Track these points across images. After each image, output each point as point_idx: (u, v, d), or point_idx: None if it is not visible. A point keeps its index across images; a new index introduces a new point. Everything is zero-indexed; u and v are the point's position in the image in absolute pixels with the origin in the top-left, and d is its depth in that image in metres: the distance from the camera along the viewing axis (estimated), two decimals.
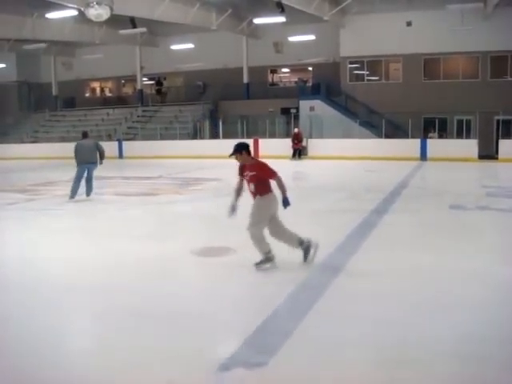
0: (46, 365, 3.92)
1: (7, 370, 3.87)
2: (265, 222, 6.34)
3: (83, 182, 12.70)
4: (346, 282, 5.82)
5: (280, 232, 6.47)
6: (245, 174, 6.41)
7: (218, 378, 3.59)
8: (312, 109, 29.21)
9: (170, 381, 3.62)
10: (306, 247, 6.44)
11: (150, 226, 9.43)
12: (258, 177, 6.34)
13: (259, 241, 6.28)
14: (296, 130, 26.68)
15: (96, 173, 13.14)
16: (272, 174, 6.35)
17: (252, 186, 6.37)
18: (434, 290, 5.51)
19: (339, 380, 3.61)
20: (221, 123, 29.09)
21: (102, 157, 12.89)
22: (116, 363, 3.93)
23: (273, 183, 6.38)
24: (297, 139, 26.19)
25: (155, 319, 4.80)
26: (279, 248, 6.92)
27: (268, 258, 6.32)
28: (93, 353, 4.25)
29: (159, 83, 37.05)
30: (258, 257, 6.33)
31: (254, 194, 6.38)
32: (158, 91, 36.68)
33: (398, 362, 3.86)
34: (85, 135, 13.25)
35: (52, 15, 25.49)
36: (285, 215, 9.92)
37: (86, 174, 12.70)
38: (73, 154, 12.78)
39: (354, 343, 4.18)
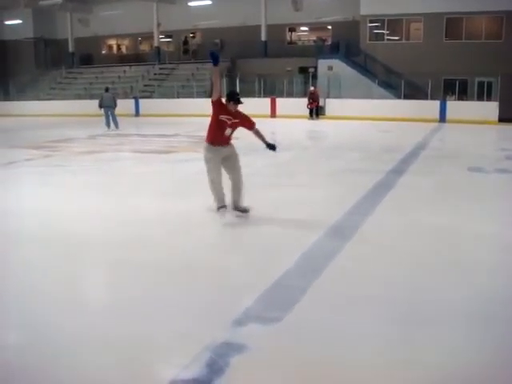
0: (60, 312, 3.99)
1: (24, 317, 3.95)
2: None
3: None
4: (360, 242, 5.79)
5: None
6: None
7: (231, 333, 3.62)
8: (330, 68, 28.78)
9: (184, 333, 3.66)
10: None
11: (166, 184, 9.45)
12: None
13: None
14: (312, 88, 26.33)
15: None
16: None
17: (230, 132, 6.59)
18: (449, 252, 5.48)
19: (352, 336, 3.63)
20: (238, 81, 28.83)
21: (115, 104, 20.63)
22: (130, 315, 3.98)
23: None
24: (312, 98, 25.83)
25: (171, 273, 4.84)
26: (295, 211, 6.96)
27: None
28: (107, 304, 4.30)
29: (186, 42, 36.75)
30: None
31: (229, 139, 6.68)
32: (186, 50, 36.39)
33: (411, 320, 3.86)
34: (106, 90, 21.46)
35: None
36: (301, 174, 9.94)
37: (110, 116, 20.39)
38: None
39: (368, 302, 4.18)
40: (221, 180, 6.51)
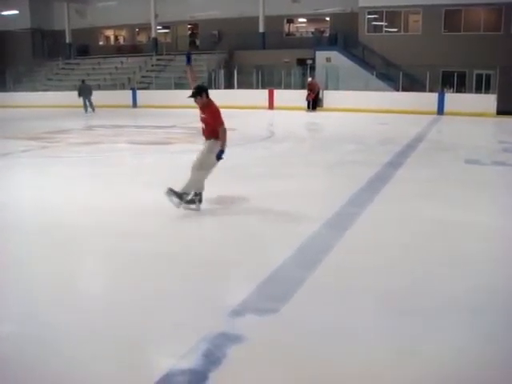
0: (56, 303, 3.98)
1: (23, 310, 3.94)
2: (212, 165, 6.47)
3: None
4: (357, 234, 5.78)
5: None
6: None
7: (228, 324, 3.62)
8: (328, 60, 28.73)
9: (181, 324, 3.65)
10: (191, 200, 6.53)
11: (163, 175, 9.40)
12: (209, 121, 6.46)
13: (199, 181, 6.49)
14: (309, 79, 26.23)
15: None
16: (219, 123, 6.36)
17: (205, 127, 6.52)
18: (447, 245, 5.47)
19: (349, 328, 3.62)
20: (236, 73, 28.75)
21: (91, 93, 25.37)
22: (127, 305, 3.96)
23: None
24: (310, 89, 25.70)
25: (168, 264, 4.83)
26: (292, 203, 6.95)
27: (198, 199, 6.56)
28: (103, 294, 4.29)
29: (193, 34, 36.66)
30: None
31: (207, 135, 6.53)
32: (192, 42, 36.34)
33: (407, 311, 3.85)
34: (83, 81, 26.14)
35: None
36: (298, 166, 9.92)
37: (88, 103, 25.13)
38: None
39: (365, 294, 4.17)
40: None
